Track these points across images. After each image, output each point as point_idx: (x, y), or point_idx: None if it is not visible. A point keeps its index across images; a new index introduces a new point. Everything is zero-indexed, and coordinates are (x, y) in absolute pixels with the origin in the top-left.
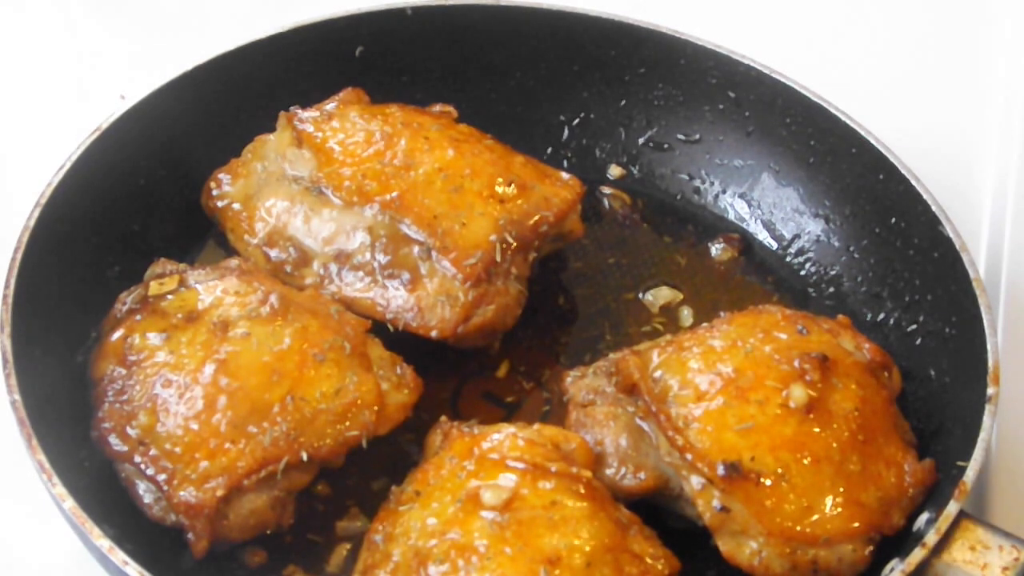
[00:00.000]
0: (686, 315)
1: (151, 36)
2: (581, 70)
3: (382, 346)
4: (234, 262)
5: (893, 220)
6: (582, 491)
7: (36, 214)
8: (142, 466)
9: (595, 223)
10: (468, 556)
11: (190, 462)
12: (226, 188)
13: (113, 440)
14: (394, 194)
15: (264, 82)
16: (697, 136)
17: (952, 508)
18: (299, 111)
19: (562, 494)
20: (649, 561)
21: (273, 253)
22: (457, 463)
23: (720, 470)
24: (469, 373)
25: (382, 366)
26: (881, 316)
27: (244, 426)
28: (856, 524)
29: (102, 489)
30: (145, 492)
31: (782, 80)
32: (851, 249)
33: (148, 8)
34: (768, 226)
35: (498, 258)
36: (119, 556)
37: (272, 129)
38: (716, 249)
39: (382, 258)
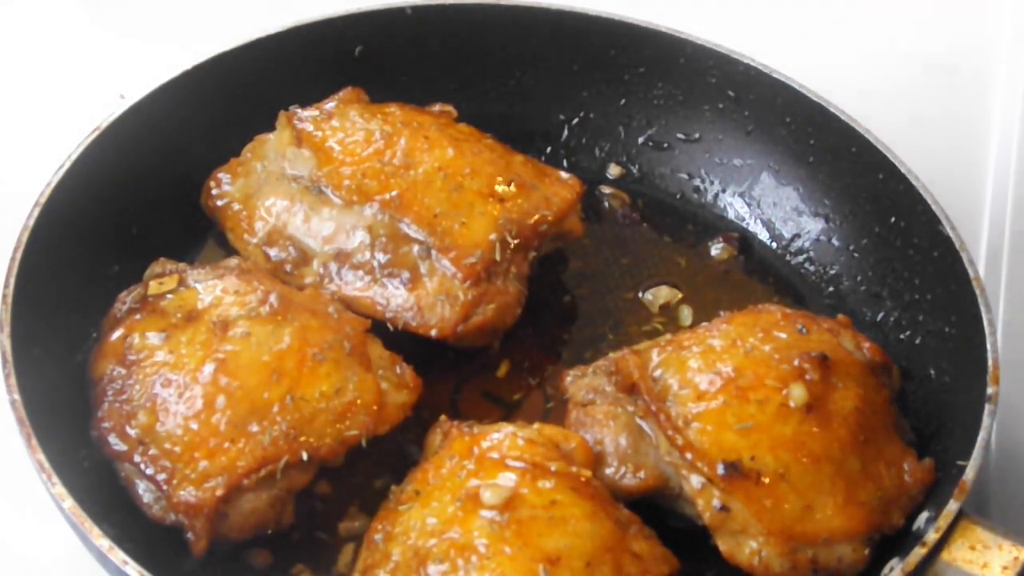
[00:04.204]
0: (686, 314)
1: (151, 36)
2: (581, 69)
3: (382, 345)
4: (234, 261)
5: (893, 219)
6: (582, 490)
7: (36, 214)
8: (142, 465)
9: (595, 222)
10: (468, 555)
11: (190, 461)
12: (226, 187)
13: (113, 439)
14: (394, 193)
15: (264, 82)
16: (697, 135)
17: (952, 507)
18: (299, 110)
19: (562, 493)
20: (649, 561)
21: (273, 252)
22: (457, 462)
23: (720, 469)
24: (469, 372)
25: (382, 365)
26: (881, 315)
27: (244, 425)
28: (856, 524)
29: (102, 488)
30: (145, 491)
31: (782, 79)
32: (851, 248)
33: (148, 8)
34: (768, 225)
35: (498, 257)
36: (119, 556)
37: (272, 128)
38: (716, 248)
39: (382, 257)
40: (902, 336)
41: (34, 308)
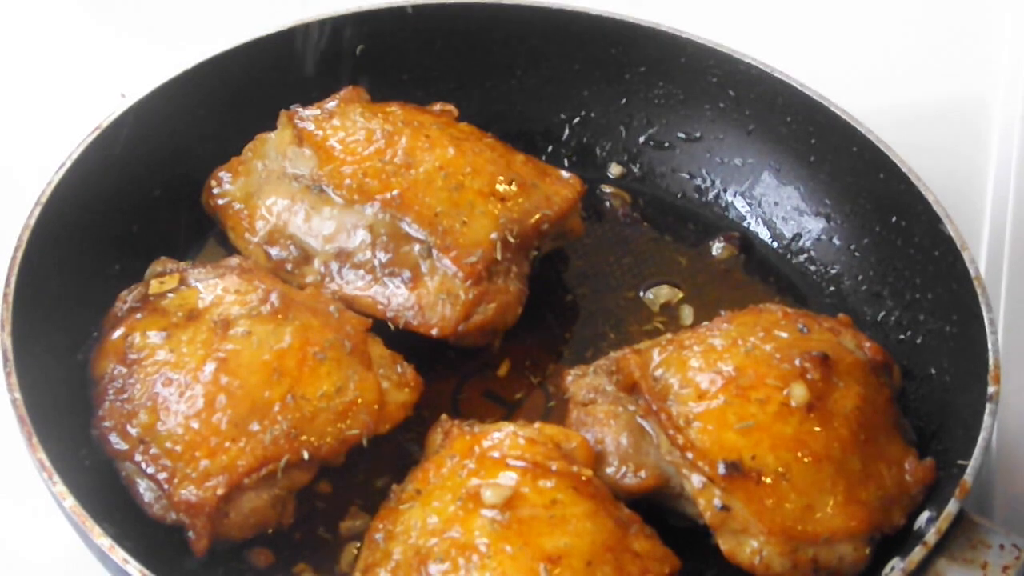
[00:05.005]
0: (687, 314)
1: (151, 36)
2: (581, 69)
3: (383, 345)
4: (235, 260)
5: (894, 219)
6: (583, 490)
7: (36, 213)
8: (142, 464)
9: (596, 222)
10: (469, 555)
11: (190, 461)
12: (227, 186)
13: (113, 438)
14: (395, 192)
15: (264, 82)
16: (698, 135)
17: (953, 507)
18: (300, 109)
19: (563, 493)
20: (650, 560)
21: (274, 251)
22: (458, 462)
23: (721, 469)
24: (470, 372)
25: (383, 365)
26: (882, 315)
27: (245, 425)
28: (857, 523)
29: (102, 487)
30: (145, 491)
31: (783, 78)
32: (852, 248)
33: (148, 8)
34: (769, 225)
35: (499, 256)
36: (119, 555)
37: (273, 128)
38: (717, 248)
39: (383, 256)
40: (903, 335)
41: (35, 307)
